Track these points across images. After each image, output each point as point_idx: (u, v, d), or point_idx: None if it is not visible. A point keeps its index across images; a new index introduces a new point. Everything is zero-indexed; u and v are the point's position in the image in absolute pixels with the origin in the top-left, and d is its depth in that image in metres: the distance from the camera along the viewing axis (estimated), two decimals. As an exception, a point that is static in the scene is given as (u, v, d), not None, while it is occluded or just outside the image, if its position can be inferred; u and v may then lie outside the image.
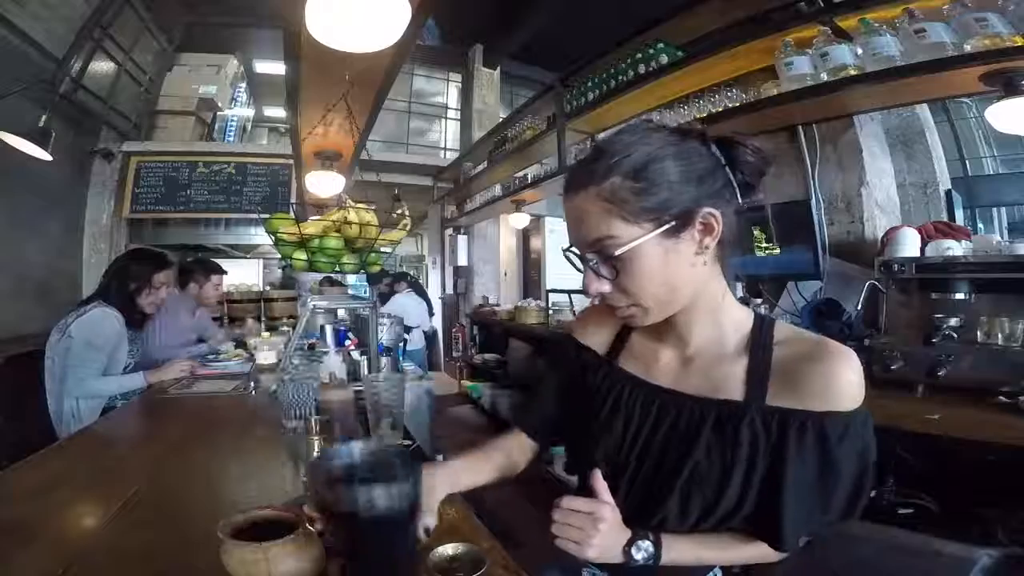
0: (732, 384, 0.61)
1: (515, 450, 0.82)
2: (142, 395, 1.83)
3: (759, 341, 0.62)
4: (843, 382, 0.56)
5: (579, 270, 0.63)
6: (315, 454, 0.95)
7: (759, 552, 0.62)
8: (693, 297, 0.62)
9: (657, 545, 0.61)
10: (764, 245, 2.20)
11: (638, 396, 0.68)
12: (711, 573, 0.71)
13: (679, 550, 0.61)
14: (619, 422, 0.68)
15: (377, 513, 0.52)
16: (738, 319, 0.65)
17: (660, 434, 0.64)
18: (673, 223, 0.57)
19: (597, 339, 0.76)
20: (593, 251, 0.59)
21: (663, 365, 0.68)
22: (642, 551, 0.60)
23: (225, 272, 2.91)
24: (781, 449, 0.57)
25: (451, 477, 0.75)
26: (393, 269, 6.22)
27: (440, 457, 1.02)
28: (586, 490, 0.65)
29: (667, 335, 0.67)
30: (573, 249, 0.62)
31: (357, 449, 0.62)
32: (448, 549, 0.64)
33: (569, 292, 3.51)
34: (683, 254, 0.58)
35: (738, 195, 0.61)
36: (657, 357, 0.69)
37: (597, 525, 0.59)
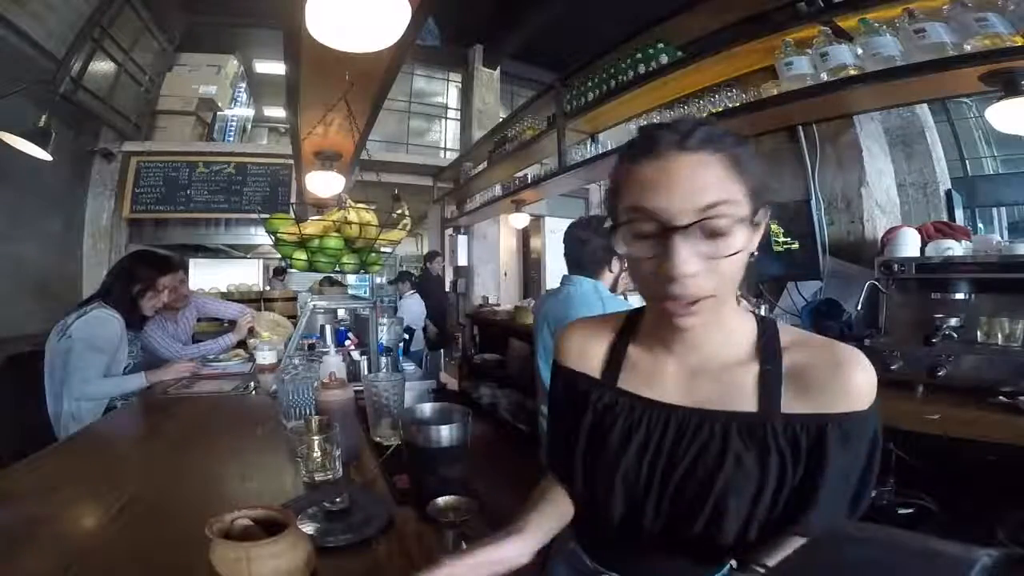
0: (745, 393, 0.58)
1: (561, 501, 0.71)
2: (142, 395, 1.82)
3: (768, 347, 0.59)
4: (860, 384, 0.55)
5: (641, 257, 0.54)
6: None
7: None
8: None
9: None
10: (782, 240, 2.18)
11: (647, 415, 0.62)
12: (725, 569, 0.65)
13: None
14: (632, 445, 0.62)
15: (438, 445, 0.91)
16: (744, 324, 0.61)
17: (681, 452, 0.59)
18: (760, 211, 0.54)
19: (588, 362, 0.69)
20: (706, 216, 0.50)
21: (668, 378, 0.63)
22: None
23: (180, 267, 2.30)
24: (810, 454, 0.55)
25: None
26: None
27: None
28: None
29: (674, 344, 0.62)
30: (635, 216, 0.54)
31: (428, 407, 1.03)
32: (440, 502, 0.79)
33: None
34: (748, 247, 0.54)
35: None
36: (661, 370, 0.63)
37: None
